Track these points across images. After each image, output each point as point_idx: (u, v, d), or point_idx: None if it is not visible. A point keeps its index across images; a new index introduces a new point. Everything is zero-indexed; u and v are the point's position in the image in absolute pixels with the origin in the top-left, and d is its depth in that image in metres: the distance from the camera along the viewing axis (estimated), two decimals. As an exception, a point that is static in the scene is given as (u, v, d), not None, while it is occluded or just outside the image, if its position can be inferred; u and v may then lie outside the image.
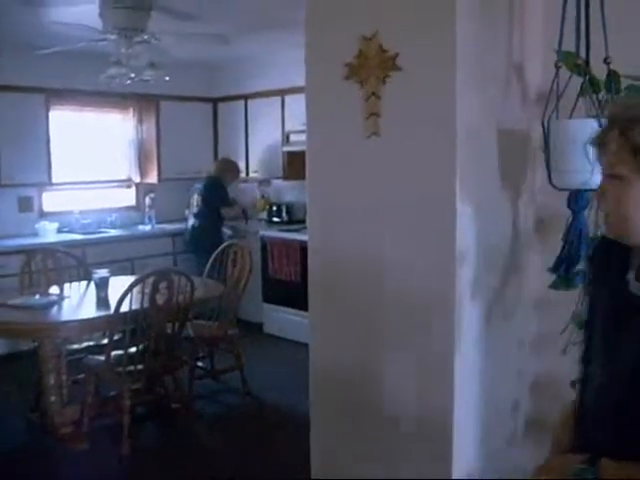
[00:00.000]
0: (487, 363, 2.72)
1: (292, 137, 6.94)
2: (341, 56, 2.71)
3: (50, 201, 7.17)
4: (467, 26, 2.47)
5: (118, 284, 4.59)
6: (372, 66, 2.62)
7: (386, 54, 2.58)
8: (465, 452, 2.70)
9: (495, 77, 2.64)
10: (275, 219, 7.46)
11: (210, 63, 7.65)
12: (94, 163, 7.52)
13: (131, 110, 7.79)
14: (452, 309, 2.54)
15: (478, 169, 2.57)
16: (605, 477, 1.42)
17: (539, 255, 2.76)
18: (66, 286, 5.07)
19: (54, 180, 7.00)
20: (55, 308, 4.57)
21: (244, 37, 6.06)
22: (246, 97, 7.62)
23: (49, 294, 4.88)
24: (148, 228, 7.58)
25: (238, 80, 7.70)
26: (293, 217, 7.24)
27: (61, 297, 4.80)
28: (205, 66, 7.75)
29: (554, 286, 2.37)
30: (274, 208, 7.52)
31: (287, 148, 7.02)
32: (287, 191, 7.43)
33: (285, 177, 7.17)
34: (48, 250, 5.69)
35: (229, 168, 7.17)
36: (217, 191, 6.97)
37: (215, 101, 8.08)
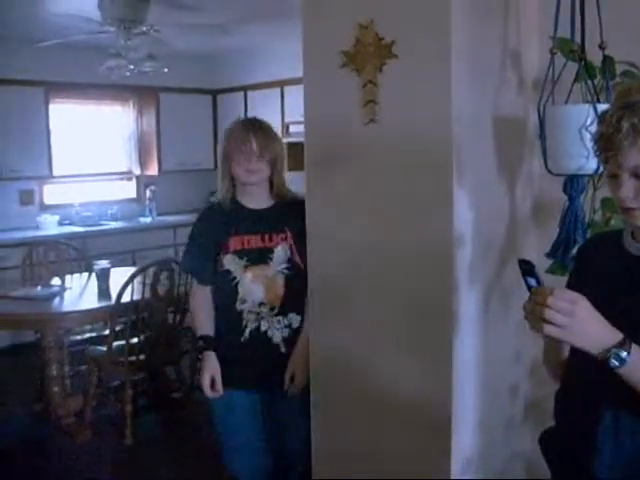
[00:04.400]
0: (485, 348, 2.74)
1: (292, 128, 6.95)
2: (338, 44, 2.72)
3: (51, 194, 7.21)
4: (463, 14, 2.48)
5: (119, 275, 4.61)
6: (369, 54, 2.63)
7: (382, 42, 2.59)
8: (464, 439, 2.71)
9: (491, 64, 2.65)
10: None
11: (209, 54, 7.65)
12: (95, 156, 7.54)
13: (131, 102, 7.81)
14: (450, 294, 2.56)
15: (474, 155, 2.59)
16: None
17: (536, 240, 2.78)
18: (67, 278, 5.10)
19: (55, 173, 7.04)
20: (57, 299, 4.61)
21: (243, 27, 6.07)
22: (245, 89, 7.63)
23: (51, 286, 4.91)
24: (149, 220, 7.60)
25: (237, 72, 7.71)
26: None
27: (63, 288, 4.83)
28: (204, 58, 7.75)
29: (551, 271, 2.38)
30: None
31: (287, 139, 6.97)
32: (288, 182, 7.41)
33: (287, 168, 7.14)
34: (49, 243, 5.73)
35: None
36: None
37: (215, 93, 8.09)
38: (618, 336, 1.36)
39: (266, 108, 7.35)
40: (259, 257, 2.78)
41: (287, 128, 7.10)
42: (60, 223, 7.02)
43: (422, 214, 2.61)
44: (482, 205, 2.63)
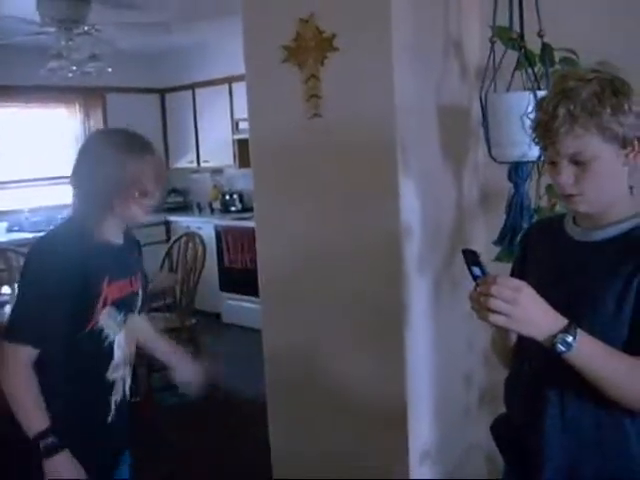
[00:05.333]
0: (438, 338, 2.75)
1: (241, 125, 6.89)
2: (279, 39, 2.70)
3: (-2, 200, 7.04)
4: (403, 4, 2.48)
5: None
6: (310, 48, 2.62)
7: (323, 35, 2.58)
8: (420, 431, 2.72)
9: (433, 54, 2.66)
10: (229, 208, 7.42)
11: (155, 53, 7.55)
12: (42, 160, 7.37)
13: (77, 104, 7.65)
14: (400, 285, 2.56)
15: (419, 145, 2.59)
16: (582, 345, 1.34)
17: (484, 228, 2.80)
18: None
19: (0, 179, 6.87)
20: (7, 307, 4.50)
21: (188, 25, 5.99)
22: (193, 86, 7.55)
23: (0, 294, 4.80)
24: (100, 224, 7.47)
25: (185, 69, 7.62)
26: (246, 205, 7.21)
27: (13, 297, 4.72)
28: (150, 56, 7.64)
29: (499, 258, 2.40)
30: (227, 197, 7.48)
31: (237, 136, 6.97)
32: (240, 179, 7.40)
33: (237, 165, 7.12)
34: (-2, 250, 5.59)
35: None
36: None
37: (162, 92, 7.99)
38: (563, 321, 1.36)
39: (215, 105, 7.29)
40: (130, 306, 2.07)
41: (237, 125, 7.04)
42: (9, 230, 6.87)
43: (369, 206, 2.61)
44: (429, 194, 2.64)
